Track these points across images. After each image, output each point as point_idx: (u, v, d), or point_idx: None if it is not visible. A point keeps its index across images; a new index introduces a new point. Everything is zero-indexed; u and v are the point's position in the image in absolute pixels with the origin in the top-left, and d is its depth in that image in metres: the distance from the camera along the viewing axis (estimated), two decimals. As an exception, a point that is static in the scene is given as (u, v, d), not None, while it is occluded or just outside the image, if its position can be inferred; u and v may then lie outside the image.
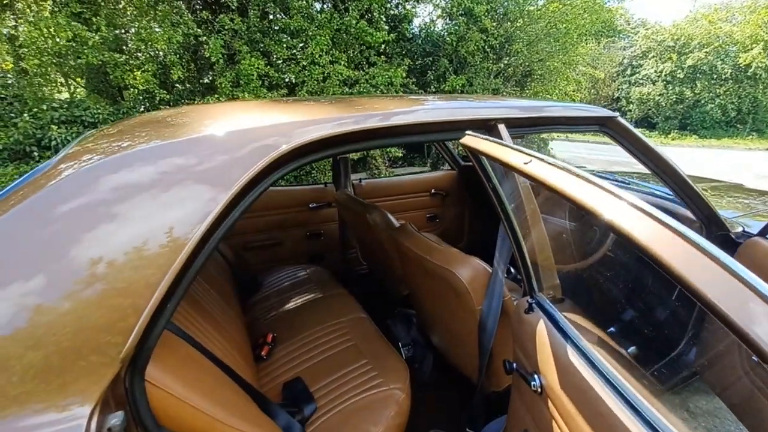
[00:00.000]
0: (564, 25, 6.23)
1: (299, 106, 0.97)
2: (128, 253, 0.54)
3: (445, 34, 5.09)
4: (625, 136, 1.23)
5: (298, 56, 4.31)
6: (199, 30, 3.86)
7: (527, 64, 6.41)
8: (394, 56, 5.49)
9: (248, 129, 0.70)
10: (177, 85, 4.27)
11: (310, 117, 0.77)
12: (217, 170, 0.63)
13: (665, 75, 19.14)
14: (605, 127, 1.21)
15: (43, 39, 3.36)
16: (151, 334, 0.55)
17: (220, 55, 3.76)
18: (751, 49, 16.51)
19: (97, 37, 3.42)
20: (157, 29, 3.88)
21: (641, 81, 20.12)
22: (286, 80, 4.33)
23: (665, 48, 19.39)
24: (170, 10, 3.86)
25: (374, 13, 4.70)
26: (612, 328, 1.34)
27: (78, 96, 4.20)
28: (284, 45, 4.27)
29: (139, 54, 4.15)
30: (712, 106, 18.10)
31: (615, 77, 20.76)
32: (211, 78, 4.21)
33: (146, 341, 0.55)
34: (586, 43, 7.38)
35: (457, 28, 4.91)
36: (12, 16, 3.67)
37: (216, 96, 3.97)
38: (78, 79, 4.77)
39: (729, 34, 17.55)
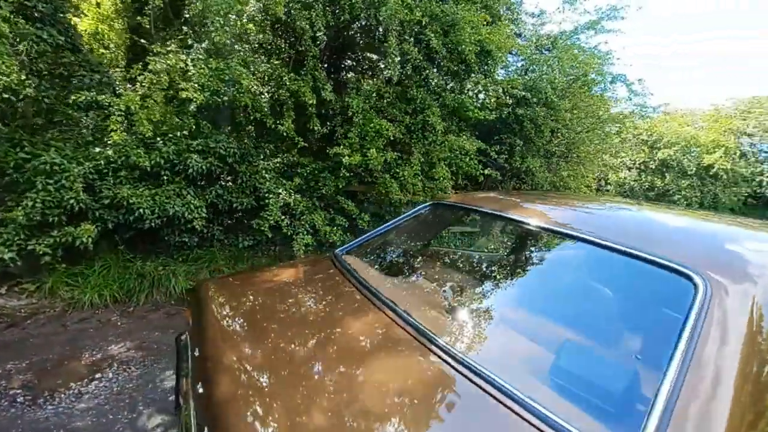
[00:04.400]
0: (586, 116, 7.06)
1: None
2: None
3: (524, 119, 5.75)
4: None
5: (408, 121, 4.77)
6: (332, 94, 4.27)
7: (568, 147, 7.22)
8: (464, 129, 6.09)
9: None
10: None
11: None
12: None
13: (639, 164, 21.36)
14: None
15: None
16: None
17: (362, 114, 4.15)
18: (714, 152, 19.00)
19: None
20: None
21: (618, 167, 22.30)
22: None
23: (640, 141, 21.81)
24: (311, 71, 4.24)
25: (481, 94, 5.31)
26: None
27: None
28: (397, 110, 4.74)
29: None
30: (679, 197, 20.23)
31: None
32: (329, 128, 4.55)
33: None
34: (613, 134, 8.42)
35: (535, 114, 5.62)
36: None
37: (341, 148, 4.29)
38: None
39: (694, 137, 20.12)
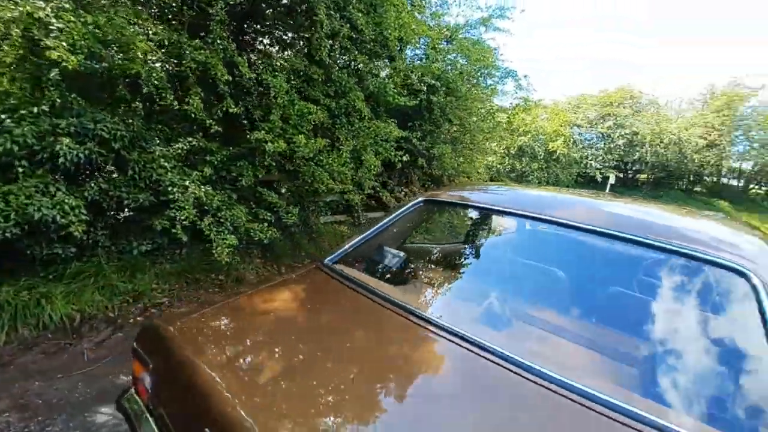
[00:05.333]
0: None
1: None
2: None
3: (434, 106, 5.93)
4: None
5: (330, 104, 4.45)
6: (249, 70, 3.70)
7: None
8: (381, 115, 6.04)
9: None
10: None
11: None
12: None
13: (503, 149, 24.47)
14: None
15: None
16: None
17: (285, 94, 3.68)
18: (556, 140, 22.92)
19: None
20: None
21: (486, 151, 25.16)
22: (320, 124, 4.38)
23: (503, 129, 24.92)
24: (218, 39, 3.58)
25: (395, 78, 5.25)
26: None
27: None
28: (320, 92, 4.37)
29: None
30: (532, 177, 23.89)
31: (469, 145, 25.47)
32: (242, 109, 3.96)
33: None
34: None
35: (444, 102, 5.85)
36: None
37: (263, 133, 3.77)
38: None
39: (542, 127, 23.92)
